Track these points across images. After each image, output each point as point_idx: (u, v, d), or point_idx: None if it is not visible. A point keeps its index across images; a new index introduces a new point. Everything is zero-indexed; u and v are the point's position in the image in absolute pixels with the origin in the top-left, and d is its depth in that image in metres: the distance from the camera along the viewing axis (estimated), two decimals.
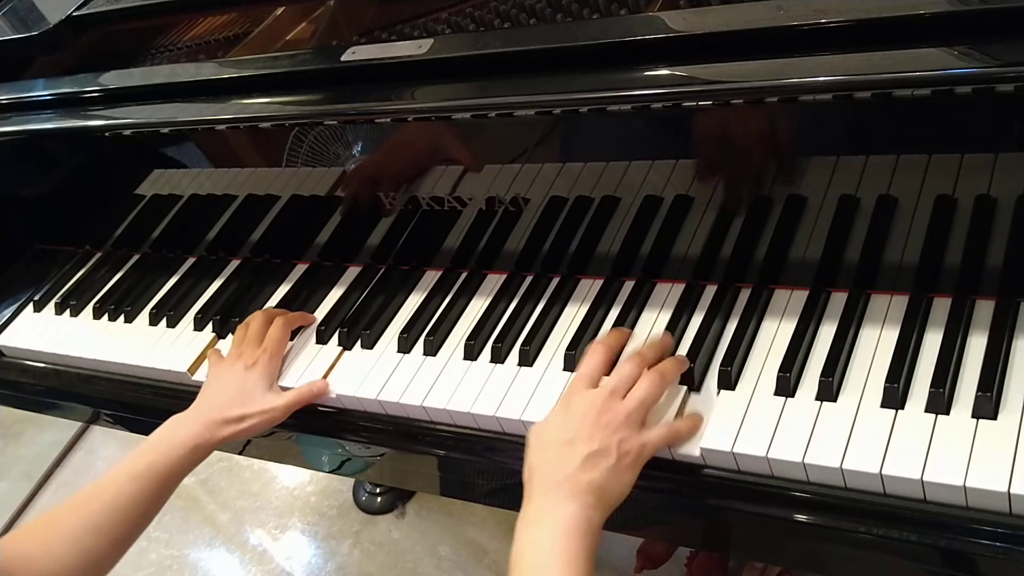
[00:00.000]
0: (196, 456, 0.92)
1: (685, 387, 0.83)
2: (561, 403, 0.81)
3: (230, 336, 1.10)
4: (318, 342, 1.05)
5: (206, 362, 1.07)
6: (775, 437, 0.76)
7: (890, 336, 0.81)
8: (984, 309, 0.80)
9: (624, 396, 0.79)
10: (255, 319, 1.05)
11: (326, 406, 1.00)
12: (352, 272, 1.12)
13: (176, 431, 0.93)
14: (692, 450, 0.79)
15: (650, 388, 0.79)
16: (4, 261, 1.38)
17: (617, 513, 0.75)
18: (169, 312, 1.17)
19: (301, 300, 1.11)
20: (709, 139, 0.84)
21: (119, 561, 0.88)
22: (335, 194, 1.08)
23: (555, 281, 1.00)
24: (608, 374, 0.83)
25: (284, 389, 1.00)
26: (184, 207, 1.22)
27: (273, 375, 1.00)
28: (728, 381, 0.82)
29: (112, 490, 0.88)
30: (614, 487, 0.74)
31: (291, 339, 1.05)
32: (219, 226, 1.21)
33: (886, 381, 0.76)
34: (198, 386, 1.09)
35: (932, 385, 0.75)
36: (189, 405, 0.98)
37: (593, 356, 0.84)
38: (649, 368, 0.82)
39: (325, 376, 1.00)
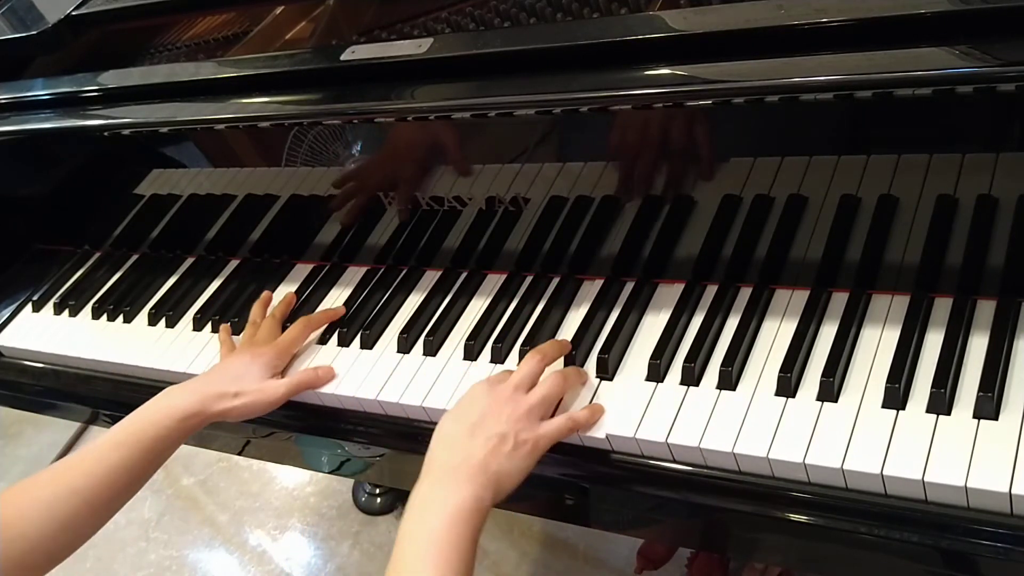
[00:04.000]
0: (184, 428, 0.90)
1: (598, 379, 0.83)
2: (466, 395, 0.84)
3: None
4: (318, 342, 1.04)
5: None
6: (776, 438, 0.76)
7: (891, 336, 0.81)
8: (985, 309, 0.80)
9: (527, 392, 0.83)
10: (269, 320, 1.05)
11: (326, 406, 1.00)
12: (352, 272, 1.12)
13: (166, 401, 0.92)
14: (693, 451, 0.79)
15: (552, 387, 0.84)
16: (3, 261, 1.38)
17: (618, 514, 0.75)
18: (168, 312, 1.17)
19: (301, 300, 1.11)
20: (706, 138, 0.84)
21: (100, 528, 0.86)
22: (335, 194, 1.08)
23: (555, 281, 1.00)
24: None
25: None
26: (183, 207, 1.21)
27: (278, 367, 0.99)
28: (729, 381, 0.82)
29: (94, 457, 0.86)
30: (508, 473, 0.77)
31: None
32: (218, 226, 1.21)
33: (887, 381, 0.76)
34: None
35: (933, 385, 0.75)
36: None
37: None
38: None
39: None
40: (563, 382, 0.85)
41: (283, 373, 1.00)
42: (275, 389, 0.96)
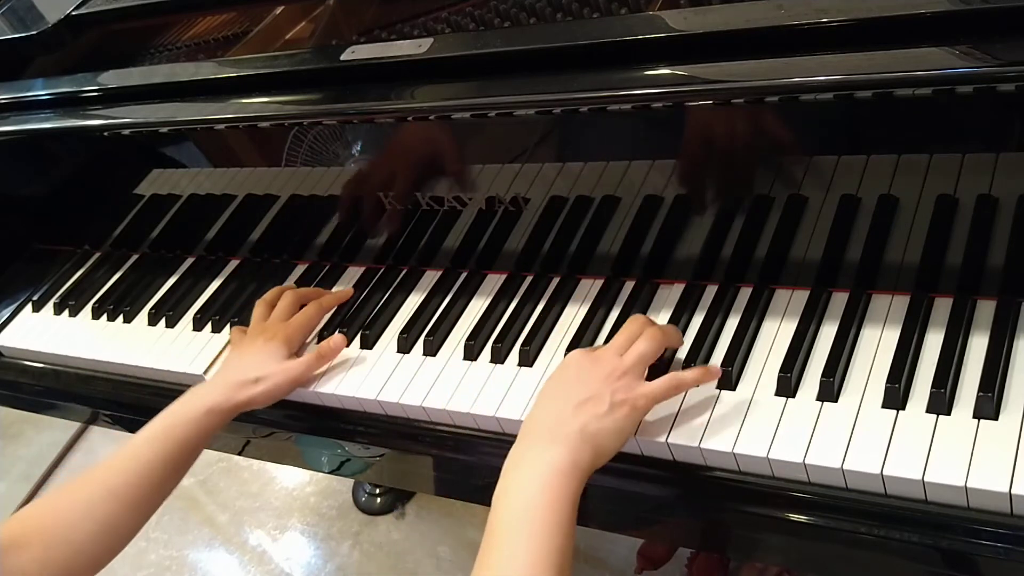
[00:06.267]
0: (211, 421, 0.91)
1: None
2: (563, 362, 0.83)
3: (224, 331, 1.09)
4: (317, 342, 1.04)
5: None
6: (776, 438, 0.76)
7: (891, 336, 0.81)
8: (985, 309, 0.80)
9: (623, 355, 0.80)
10: (284, 299, 1.05)
11: (325, 406, 1.00)
12: (352, 272, 1.12)
13: (191, 396, 0.93)
14: (693, 451, 0.79)
15: (648, 344, 0.80)
16: (3, 261, 1.38)
17: (618, 514, 0.75)
18: (168, 312, 1.17)
19: None
20: (708, 138, 0.84)
21: (141, 527, 0.87)
22: (335, 194, 1.08)
23: (555, 281, 1.00)
24: None
25: None
26: (183, 207, 1.21)
27: (294, 347, 1.00)
28: (728, 381, 0.82)
29: (127, 455, 0.87)
30: (606, 433, 0.75)
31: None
32: (218, 226, 1.21)
33: (887, 381, 0.76)
34: None
35: (933, 385, 0.75)
36: None
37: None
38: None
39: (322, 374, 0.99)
40: (662, 338, 0.82)
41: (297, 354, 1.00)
42: (294, 367, 0.96)
